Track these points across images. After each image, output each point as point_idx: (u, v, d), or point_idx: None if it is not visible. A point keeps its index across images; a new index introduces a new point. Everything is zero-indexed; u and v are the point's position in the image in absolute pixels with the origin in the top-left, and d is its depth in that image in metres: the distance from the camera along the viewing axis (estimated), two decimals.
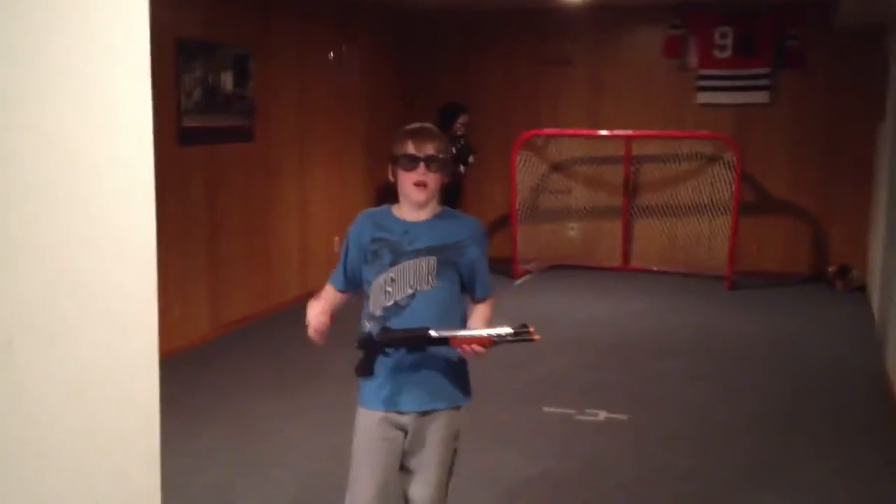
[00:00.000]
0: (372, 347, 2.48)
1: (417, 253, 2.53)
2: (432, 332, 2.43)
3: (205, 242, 6.31)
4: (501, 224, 8.84)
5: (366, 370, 2.51)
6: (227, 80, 6.47)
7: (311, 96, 7.61)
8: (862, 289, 7.90)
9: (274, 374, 5.56)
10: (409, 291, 2.52)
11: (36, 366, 1.27)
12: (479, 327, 2.53)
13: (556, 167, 9.12)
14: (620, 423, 4.75)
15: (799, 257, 8.53)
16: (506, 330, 2.41)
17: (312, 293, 2.72)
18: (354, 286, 2.66)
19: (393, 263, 2.53)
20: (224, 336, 6.43)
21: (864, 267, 8.07)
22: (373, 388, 2.58)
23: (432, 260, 2.53)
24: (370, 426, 2.59)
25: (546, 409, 4.94)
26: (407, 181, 2.53)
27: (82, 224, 1.41)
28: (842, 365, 5.87)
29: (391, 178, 2.60)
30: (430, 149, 2.52)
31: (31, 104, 1.31)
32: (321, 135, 7.78)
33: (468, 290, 2.64)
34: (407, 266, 2.53)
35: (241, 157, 6.70)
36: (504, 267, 8.30)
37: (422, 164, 2.51)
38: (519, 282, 8.30)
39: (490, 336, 2.41)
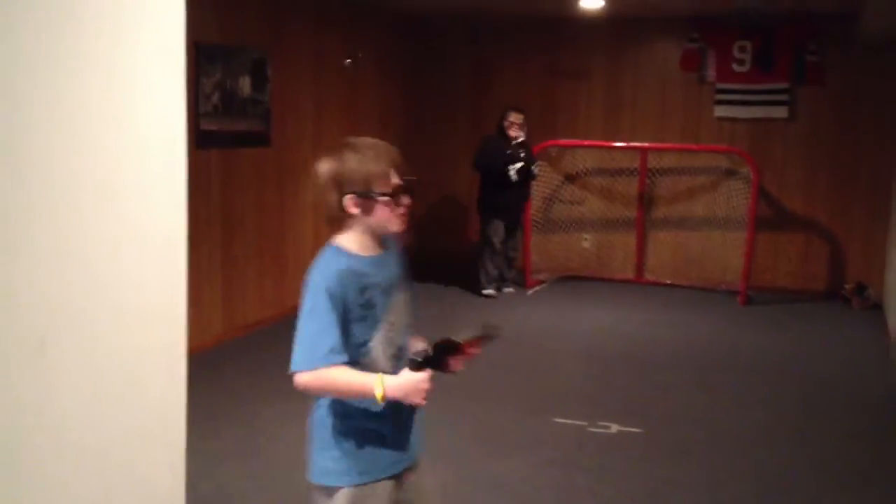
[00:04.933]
0: (435, 361, 2.17)
1: (399, 286, 2.29)
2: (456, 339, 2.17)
3: (219, 245, 6.33)
4: None
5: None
6: (245, 85, 6.49)
7: (326, 101, 7.63)
8: (878, 307, 7.85)
9: (285, 379, 5.52)
10: (404, 330, 2.29)
11: (66, 365, 1.28)
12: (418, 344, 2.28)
13: (571, 178, 9.10)
14: (632, 436, 4.72)
15: (814, 274, 8.47)
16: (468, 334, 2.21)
17: None
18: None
19: (386, 305, 2.22)
20: (237, 339, 6.44)
21: (881, 285, 8.02)
22: (373, 451, 2.29)
23: (408, 291, 2.31)
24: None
25: (556, 419, 4.92)
26: (394, 211, 2.20)
27: (113, 226, 1.42)
28: (855, 381, 5.83)
29: (355, 209, 2.18)
30: (404, 168, 2.20)
31: (64, 109, 1.32)
32: (335, 140, 7.78)
33: None
34: (397, 303, 2.26)
35: (257, 160, 6.72)
36: (517, 277, 8.29)
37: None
38: (531, 292, 8.29)
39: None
